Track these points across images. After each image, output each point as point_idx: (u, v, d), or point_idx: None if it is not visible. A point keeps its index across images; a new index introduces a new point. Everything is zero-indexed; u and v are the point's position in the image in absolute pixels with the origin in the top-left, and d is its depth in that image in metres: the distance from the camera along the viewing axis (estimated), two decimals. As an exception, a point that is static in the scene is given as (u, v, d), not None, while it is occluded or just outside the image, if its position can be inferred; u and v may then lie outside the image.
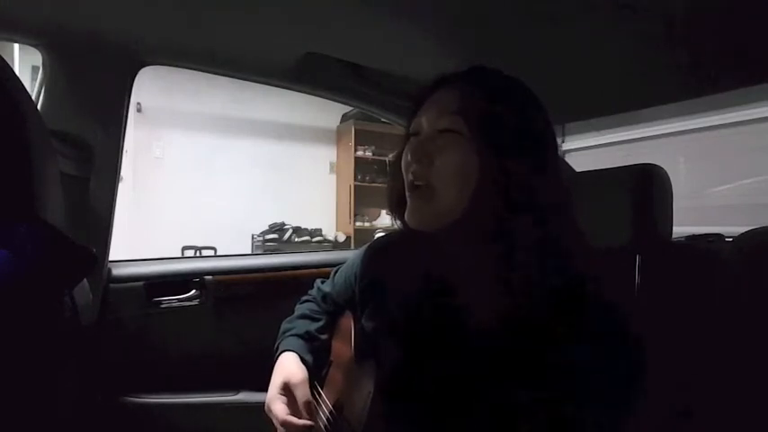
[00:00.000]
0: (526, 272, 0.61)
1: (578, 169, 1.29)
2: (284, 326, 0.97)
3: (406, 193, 0.66)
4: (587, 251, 0.69)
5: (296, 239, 4.45)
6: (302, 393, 0.84)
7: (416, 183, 0.64)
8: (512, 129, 0.62)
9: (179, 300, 1.35)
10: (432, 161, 0.63)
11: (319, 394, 0.91)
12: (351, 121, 4.64)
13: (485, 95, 0.64)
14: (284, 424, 0.81)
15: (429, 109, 0.67)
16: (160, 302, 1.33)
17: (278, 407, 0.83)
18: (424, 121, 0.67)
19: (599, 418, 0.56)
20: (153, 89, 3.77)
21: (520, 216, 0.61)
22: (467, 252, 0.67)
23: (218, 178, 4.28)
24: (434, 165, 0.63)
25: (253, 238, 4.42)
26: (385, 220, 4.61)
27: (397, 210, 0.71)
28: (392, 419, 0.68)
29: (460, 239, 0.66)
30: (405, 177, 0.67)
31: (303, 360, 0.89)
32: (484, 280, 0.65)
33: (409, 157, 0.65)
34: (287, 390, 0.85)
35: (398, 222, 0.71)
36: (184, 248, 3.78)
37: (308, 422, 0.81)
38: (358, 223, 4.70)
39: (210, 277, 1.39)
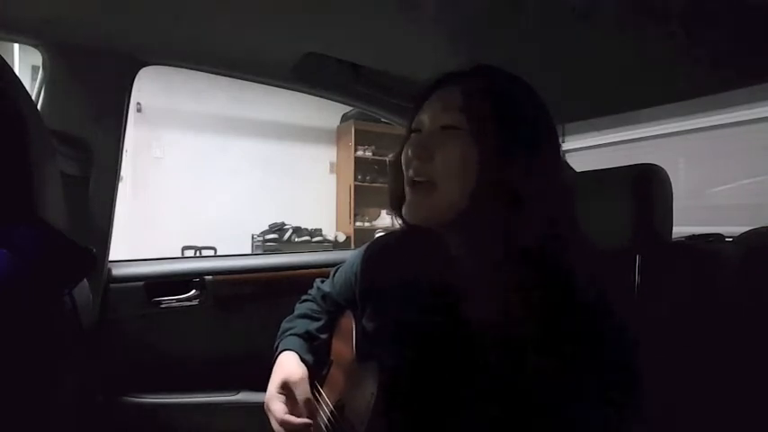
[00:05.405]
0: (527, 270, 0.61)
1: (578, 169, 1.28)
2: (284, 325, 0.97)
3: (406, 189, 0.66)
4: (589, 250, 0.69)
5: (296, 239, 4.45)
6: (302, 391, 0.84)
7: (417, 179, 0.64)
8: (514, 126, 0.62)
9: (179, 300, 1.35)
10: (432, 157, 0.63)
11: (320, 394, 0.91)
12: (351, 121, 4.64)
13: (488, 93, 0.64)
14: (283, 423, 0.81)
15: (431, 106, 0.67)
16: (160, 302, 1.33)
17: (277, 406, 0.83)
18: (425, 118, 0.66)
19: (599, 417, 0.56)
20: (153, 89, 3.76)
21: (520, 214, 0.61)
22: (467, 250, 0.67)
23: (218, 178, 4.28)
24: (435, 161, 0.62)
25: (253, 238, 4.42)
26: (385, 220, 4.61)
27: (398, 208, 0.70)
28: (395, 420, 0.68)
29: (461, 237, 0.66)
30: (405, 174, 0.66)
31: (303, 359, 0.89)
32: (485, 278, 0.65)
33: (410, 153, 0.65)
34: (286, 388, 0.85)
35: (400, 221, 0.71)
36: (184, 248, 3.77)
37: (307, 420, 0.81)
38: (358, 223, 4.70)
39: (210, 277, 1.39)
